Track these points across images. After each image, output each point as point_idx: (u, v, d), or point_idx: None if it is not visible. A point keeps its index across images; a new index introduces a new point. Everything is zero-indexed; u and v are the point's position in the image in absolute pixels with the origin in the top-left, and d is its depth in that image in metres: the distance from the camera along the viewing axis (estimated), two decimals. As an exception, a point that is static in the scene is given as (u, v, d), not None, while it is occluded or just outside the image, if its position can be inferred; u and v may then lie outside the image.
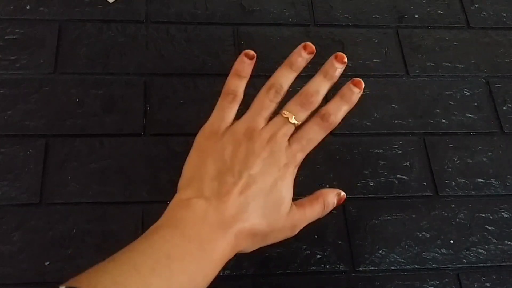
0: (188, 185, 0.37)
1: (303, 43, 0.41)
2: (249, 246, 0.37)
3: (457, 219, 0.46)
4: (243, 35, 0.52)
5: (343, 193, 0.41)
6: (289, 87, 0.40)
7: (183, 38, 0.51)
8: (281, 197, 0.37)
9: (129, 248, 0.32)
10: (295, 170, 0.39)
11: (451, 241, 0.45)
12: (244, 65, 0.41)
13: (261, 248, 0.41)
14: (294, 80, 0.41)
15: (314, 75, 0.50)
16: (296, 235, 0.39)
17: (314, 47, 0.41)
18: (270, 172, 0.37)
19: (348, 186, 0.46)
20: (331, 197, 0.40)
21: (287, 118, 0.39)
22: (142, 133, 0.46)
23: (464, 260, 0.44)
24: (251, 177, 0.36)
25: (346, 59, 0.40)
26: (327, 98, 0.50)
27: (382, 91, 0.51)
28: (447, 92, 0.52)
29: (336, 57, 0.41)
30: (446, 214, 0.46)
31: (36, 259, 0.41)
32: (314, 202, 0.39)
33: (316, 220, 0.40)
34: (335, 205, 0.40)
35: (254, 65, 0.41)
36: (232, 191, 0.35)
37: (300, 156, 0.39)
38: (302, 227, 0.39)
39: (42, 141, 0.45)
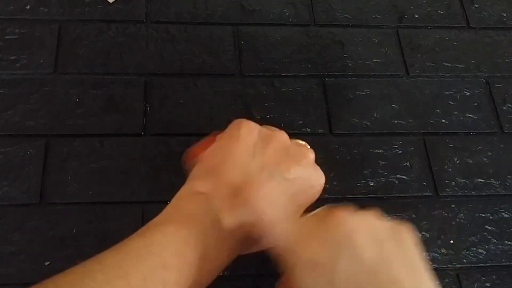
0: (205, 176, 0.32)
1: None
2: (251, 249, 0.35)
3: (457, 219, 0.46)
4: (243, 35, 0.52)
5: None
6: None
7: (183, 38, 0.51)
8: (301, 206, 0.35)
9: (123, 248, 0.28)
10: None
11: (451, 241, 0.45)
12: None
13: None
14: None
15: (314, 75, 0.51)
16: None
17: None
18: (302, 179, 0.34)
19: (348, 186, 0.46)
20: None
21: (305, 145, 0.38)
22: (142, 133, 0.46)
23: (464, 260, 0.44)
24: (280, 179, 0.32)
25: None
26: (327, 99, 0.50)
27: (382, 91, 0.51)
28: (447, 92, 0.52)
29: None
30: (446, 214, 0.46)
31: (36, 259, 0.41)
32: None
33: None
34: None
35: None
36: (254, 193, 0.31)
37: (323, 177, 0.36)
38: None
39: (42, 141, 0.45)
